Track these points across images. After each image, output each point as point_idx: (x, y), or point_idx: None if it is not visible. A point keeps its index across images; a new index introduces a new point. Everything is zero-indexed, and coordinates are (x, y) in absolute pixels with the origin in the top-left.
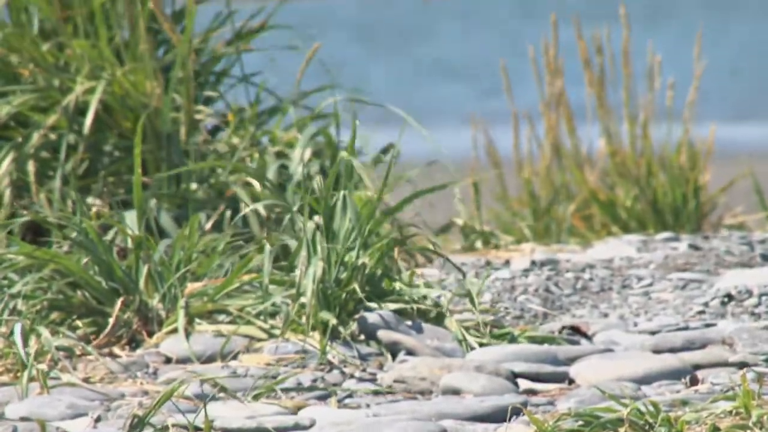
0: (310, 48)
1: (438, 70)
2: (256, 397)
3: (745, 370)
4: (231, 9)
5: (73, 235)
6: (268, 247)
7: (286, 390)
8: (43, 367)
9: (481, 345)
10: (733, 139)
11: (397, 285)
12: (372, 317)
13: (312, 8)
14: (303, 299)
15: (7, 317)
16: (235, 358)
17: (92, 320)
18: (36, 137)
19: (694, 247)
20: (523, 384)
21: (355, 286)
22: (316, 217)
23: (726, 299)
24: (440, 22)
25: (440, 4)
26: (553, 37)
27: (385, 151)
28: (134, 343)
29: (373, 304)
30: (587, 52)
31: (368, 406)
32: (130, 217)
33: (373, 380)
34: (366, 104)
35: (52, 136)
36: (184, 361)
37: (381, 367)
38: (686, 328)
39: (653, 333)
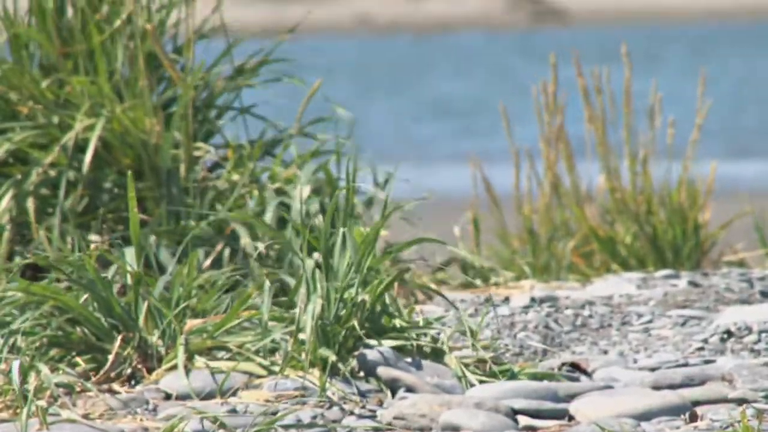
0: (307, 85)
1: (435, 108)
2: None
3: (744, 406)
4: (230, 45)
5: (72, 271)
6: (267, 283)
7: (285, 427)
8: (43, 403)
9: (480, 382)
10: (733, 176)
11: (397, 322)
12: (371, 354)
13: (310, 47)
14: (302, 336)
15: (6, 354)
16: (234, 394)
17: (92, 357)
18: (35, 174)
19: (693, 284)
20: (523, 421)
21: (355, 322)
22: (316, 254)
23: (725, 336)
24: (437, 61)
25: (437, 43)
26: (552, 74)
27: (382, 186)
28: (134, 379)
29: (372, 341)
30: (587, 89)
31: None
32: (130, 254)
33: (372, 417)
34: (365, 142)
35: (52, 173)
36: (183, 397)
37: (381, 403)
38: (686, 365)
39: (653, 370)
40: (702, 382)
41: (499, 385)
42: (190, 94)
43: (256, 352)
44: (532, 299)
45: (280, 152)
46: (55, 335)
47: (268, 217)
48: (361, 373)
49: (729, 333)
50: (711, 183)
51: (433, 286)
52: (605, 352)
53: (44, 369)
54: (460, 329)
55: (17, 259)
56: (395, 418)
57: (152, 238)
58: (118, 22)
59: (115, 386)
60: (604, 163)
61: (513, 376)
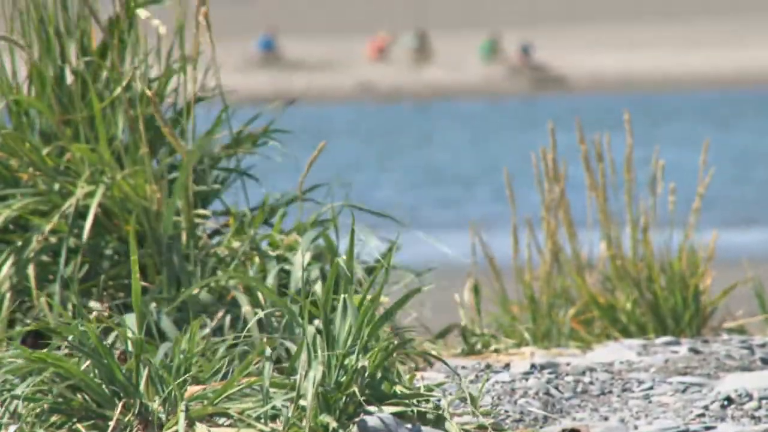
0: (308, 151)
1: (436, 174)
2: None
3: None
4: (231, 112)
5: (73, 337)
6: (268, 350)
7: None
8: None
9: None
10: (734, 243)
11: (398, 388)
12: (372, 420)
13: (312, 113)
14: (303, 402)
15: (7, 420)
16: None
17: (93, 423)
18: (36, 241)
19: (694, 350)
20: None
21: (355, 389)
22: (316, 321)
23: (726, 403)
24: (437, 127)
25: (437, 110)
26: (551, 141)
27: (383, 254)
28: None
29: (373, 408)
30: (588, 156)
31: None
32: (131, 321)
33: None
34: (365, 209)
35: (53, 240)
36: None
37: None
38: (686, 431)
39: None
40: None
41: None
42: (191, 161)
43: (257, 419)
44: (533, 366)
45: (280, 219)
46: (56, 402)
47: (269, 283)
48: None
49: (730, 400)
50: (712, 250)
51: (433, 352)
52: (606, 419)
53: None
54: (460, 396)
55: (18, 326)
56: None
57: (153, 305)
58: (118, 90)
59: None
60: (605, 230)
61: None
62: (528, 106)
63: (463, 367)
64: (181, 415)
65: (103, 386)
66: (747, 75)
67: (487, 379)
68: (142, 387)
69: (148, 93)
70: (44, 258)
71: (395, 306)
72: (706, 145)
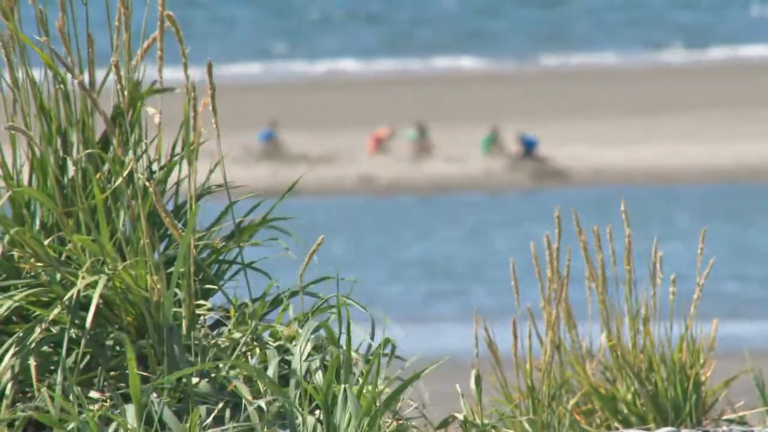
0: (310, 243)
1: (436, 266)
2: None
3: None
4: (231, 204)
5: (74, 428)
6: None
7: None
8: None
9: None
10: (734, 335)
11: None
12: None
13: (312, 205)
14: None
15: None
16: None
17: None
18: (38, 332)
19: None
20: None
21: None
22: (317, 411)
23: None
24: (438, 220)
25: (438, 203)
26: (556, 229)
27: (383, 346)
28: None
29: None
30: (587, 247)
31: None
32: (131, 412)
33: None
34: (366, 300)
35: (54, 331)
36: None
37: None
38: None
39: None
40: None
41: None
42: (192, 252)
43: None
44: None
45: (282, 311)
46: None
47: (270, 373)
48: None
49: None
50: (712, 341)
51: None
52: None
53: None
54: None
55: (19, 416)
56: None
57: (154, 396)
58: (119, 181)
59: None
60: (605, 321)
61: None
62: (529, 198)
63: None
64: None
65: None
66: (748, 167)
67: None
68: None
69: (149, 186)
70: (46, 348)
71: (393, 394)
72: (703, 234)
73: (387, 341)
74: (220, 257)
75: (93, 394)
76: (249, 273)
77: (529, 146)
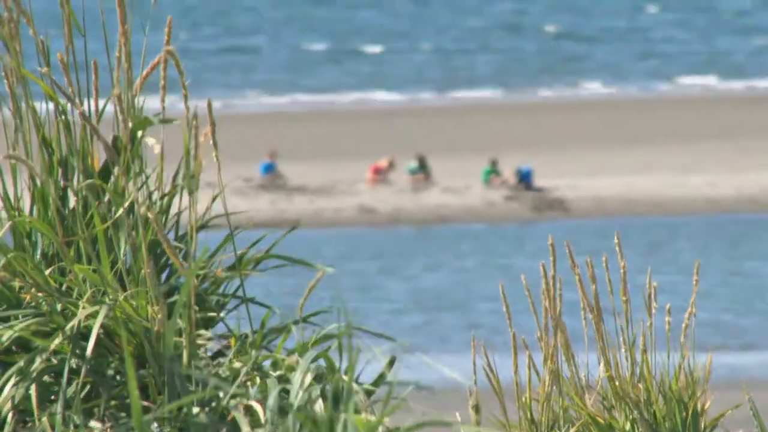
0: (310, 273)
1: (434, 298)
2: None
3: None
4: (233, 234)
5: None
6: None
7: None
8: None
9: None
10: (732, 365)
11: None
12: None
13: (313, 236)
14: None
15: None
16: None
17: None
18: (38, 362)
19: None
20: None
21: None
22: None
23: None
24: (437, 251)
25: (438, 233)
26: (551, 258)
27: (384, 375)
28: None
29: None
30: (582, 278)
31: None
32: None
33: None
34: (366, 331)
35: (55, 361)
36: None
37: None
38: None
39: None
40: None
41: None
42: (193, 282)
43: None
44: None
45: (282, 340)
46: None
47: (270, 403)
48: None
49: None
50: (709, 370)
51: None
52: None
53: None
54: None
55: None
56: None
57: (155, 425)
58: (120, 211)
59: None
60: (603, 351)
61: None
62: (528, 229)
63: None
64: None
65: None
66: (748, 198)
67: None
68: None
69: (150, 216)
70: (46, 378)
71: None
72: (697, 266)
73: (389, 369)
74: (222, 288)
75: (93, 423)
76: (251, 303)
77: (524, 177)
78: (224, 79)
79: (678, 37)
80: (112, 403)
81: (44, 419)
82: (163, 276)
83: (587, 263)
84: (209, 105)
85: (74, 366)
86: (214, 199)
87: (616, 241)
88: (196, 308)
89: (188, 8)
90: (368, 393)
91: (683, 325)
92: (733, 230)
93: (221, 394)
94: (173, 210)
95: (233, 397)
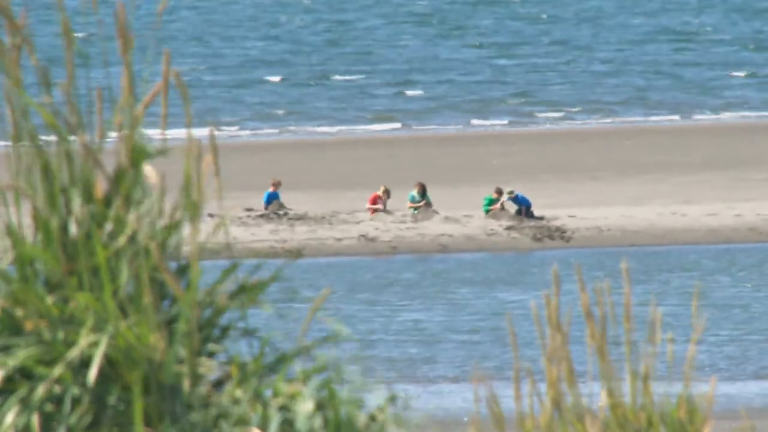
0: (311, 302)
1: (437, 326)
2: None
3: None
4: (235, 263)
5: None
6: None
7: None
8: None
9: None
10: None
11: None
12: None
13: (315, 264)
14: None
15: None
16: None
17: None
18: (40, 390)
19: None
20: None
21: None
22: None
23: None
24: (437, 280)
25: (438, 263)
26: (554, 287)
27: (386, 404)
28: None
29: None
30: (588, 306)
31: None
32: None
33: None
34: (368, 359)
35: (57, 389)
36: None
37: None
38: None
39: None
40: None
41: None
42: (194, 311)
43: None
44: None
45: (283, 369)
46: None
47: (273, 430)
48: None
49: None
50: (710, 398)
51: None
52: None
53: None
54: None
55: None
56: None
57: None
58: (122, 240)
59: None
60: (605, 378)
61: None
62: (529, 258)
63: None
64: None
65: None
66: (747, 227)
67: None
68: None
69: (152, 246)
70: (48, 407)
71: None
72: (695, 294)
73: (392, 399)
74: (223, 317)
75: None
76: (252, 330)
77: (520, 205)
78: (232, 108)
79: (675, 69)
80: (115, 430)
81: None
82: (165, 304)
83: (594, 290)
84: (212, 134)
85: (76, 394)
86: (215, 229)
87: (622, 266)
88: (198, 335)
89: (192, 36)
90: (371, 421)
91: (690, 355)
92: (733, 259)
93: (223, 423)
94: (175, 239)
95: (235, 425)
